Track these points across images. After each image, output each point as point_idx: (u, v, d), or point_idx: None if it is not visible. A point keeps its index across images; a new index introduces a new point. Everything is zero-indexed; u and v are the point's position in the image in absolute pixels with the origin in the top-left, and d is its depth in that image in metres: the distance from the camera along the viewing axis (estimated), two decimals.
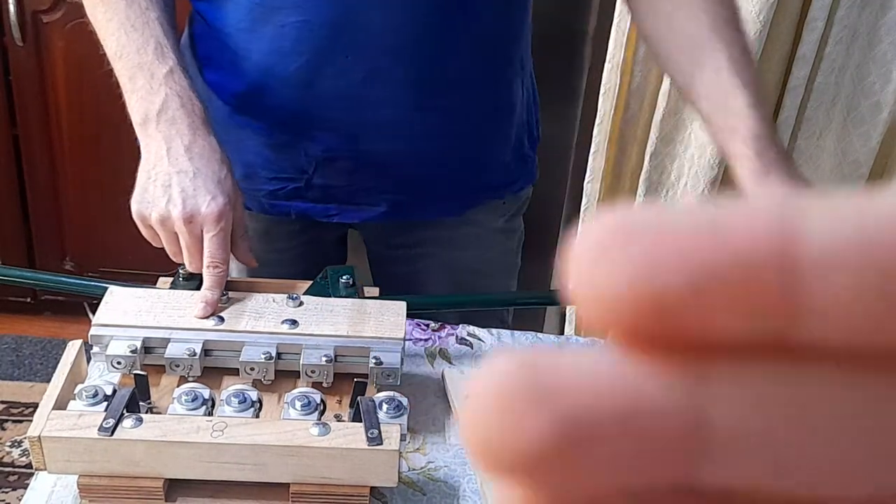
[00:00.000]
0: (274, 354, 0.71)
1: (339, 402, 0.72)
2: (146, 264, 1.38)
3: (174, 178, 0.74)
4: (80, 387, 0.66)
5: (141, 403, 0.68)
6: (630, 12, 0.88)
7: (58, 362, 0.70)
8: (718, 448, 0.11)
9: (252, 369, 0.70)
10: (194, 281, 0.77)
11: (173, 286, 0.79)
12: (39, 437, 0.61)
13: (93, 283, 0.86)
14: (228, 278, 0.76)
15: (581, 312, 0.11)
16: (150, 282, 0.81)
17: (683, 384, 0.11)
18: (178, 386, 0.69)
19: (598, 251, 0.11)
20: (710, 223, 0.11)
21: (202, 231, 0.74)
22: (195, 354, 0.70)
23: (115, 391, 0.66)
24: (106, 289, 0.75)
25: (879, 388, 0.11)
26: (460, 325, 0.89)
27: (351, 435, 0.63)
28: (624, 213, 0.11)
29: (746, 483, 0.11)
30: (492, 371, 0.11)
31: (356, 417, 0.66)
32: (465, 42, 0.87)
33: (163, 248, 0.78)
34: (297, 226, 0.99)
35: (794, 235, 0.10)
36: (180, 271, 0.79)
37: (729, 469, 0.11)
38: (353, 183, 0.93)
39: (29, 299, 1.97)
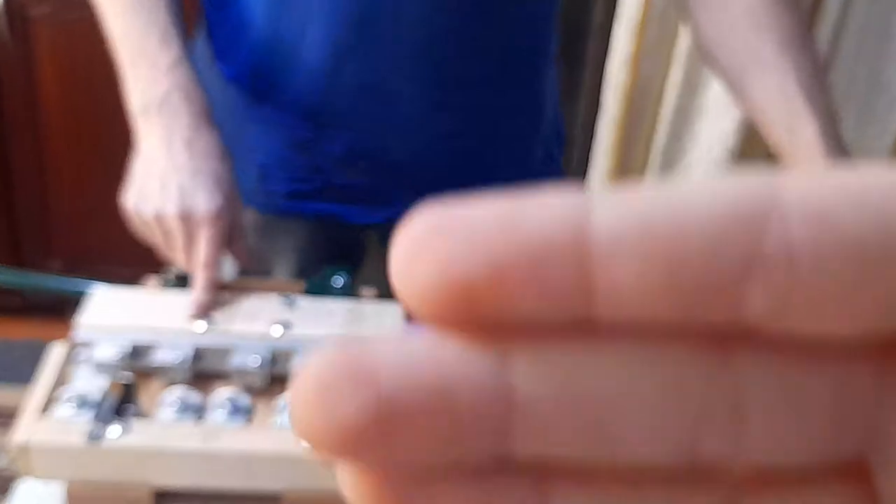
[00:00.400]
0: (267, 359, 0.68)
1: None
2: (137, 263, 1.36)
3: (172, 175, 0.72)
4: (66, 392, 0.64)
5: (129, 409, 0.66)
6: (686, 20, 0.84)
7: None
8: (525, 420, 0.12)
9: (244, 374, 0.68)
10: (185, 281, 0.75)
11: (164, 287, 0.76)
12: (25, 443, 0.60)
13: (79, 283, 0.84)
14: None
15: (404, 304, 0.12)
16: (141, 282, 0.79)
17: (492, 362, 0.12)
18: (167, 391, 0.67)
19: (413, 246, 0.12)
20: (511, 214, 0.12)
21: (198, 230, 0.72)
22: (185, 359, 0.68)
23: (102, 397, 0.64)
24: (93, 289, 0.73)
25: (674, 359, 0.12)
26: None
27: None
28: (435, 209, 0.12)
29: (555, 453, 0.12)
30: (315, 359, 0.12)
31: None
32: (496, 38, 0.85)
33: (155, 247, 0.76)
34: (315, 226, 0.96)
35: (586, 224, 0.12)
36: (173, 271, 0.77)
37: (536, 440, 0.12)
38: (373, 183, 0.90)
39: (17, 299, 1.94)
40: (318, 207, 0.93)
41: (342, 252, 1.01)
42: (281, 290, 0.75)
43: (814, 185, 0.11)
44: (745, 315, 0.11)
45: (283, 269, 0.97)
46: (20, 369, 0.76)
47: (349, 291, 0.78)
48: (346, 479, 0.13)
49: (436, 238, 0.12)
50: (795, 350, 0.12)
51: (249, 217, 0.90)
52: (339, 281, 0.78)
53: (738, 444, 0.12)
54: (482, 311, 0.12)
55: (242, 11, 0.84)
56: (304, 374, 0.12)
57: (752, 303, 0.11)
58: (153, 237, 0.75)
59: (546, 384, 0.12)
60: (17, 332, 1.85)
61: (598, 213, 0.12)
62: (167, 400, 0.65)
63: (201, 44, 0.91)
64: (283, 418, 0.65)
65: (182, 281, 0.76)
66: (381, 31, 0.81)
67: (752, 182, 0.12)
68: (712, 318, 0.12)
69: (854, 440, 0.12)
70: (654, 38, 1.32)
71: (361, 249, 1.05)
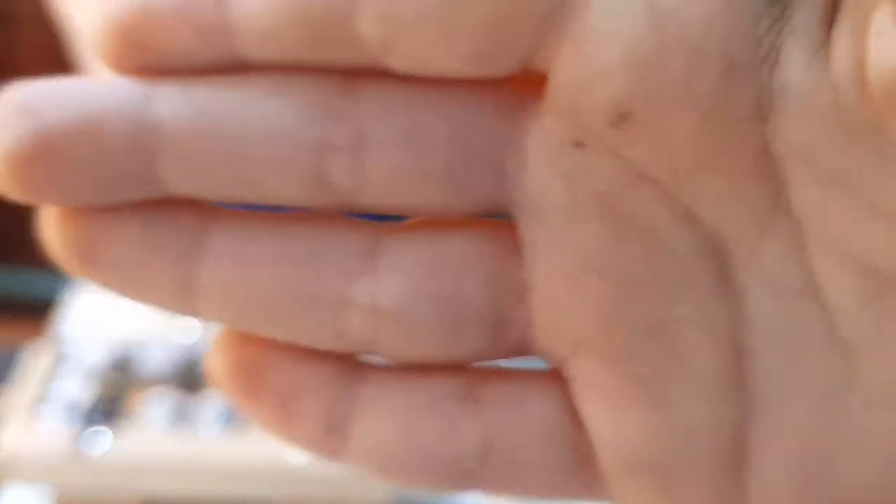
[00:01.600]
0: None
1: None
2: None
3: None
4: (52, 399, 0.64)
5: (117, 416, 0.65)
6: None
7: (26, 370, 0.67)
8: (170, 150, 0.13)
9: None
10: None
11: None
12: (11, 451, 0.60)
13: (65, 282, 0.84)
14: None
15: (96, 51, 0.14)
16: None
17: (138, 92, 0.13)
18: (156, 398, 0.66)
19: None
20: None
21: None
22: (175, 364, 0.68)
23: (90, 403, 0.64)
24: (80, 290, 0.72)
25: (301, 89, 0.13)
26: None
27: None
28: None
29: (204, 189, 0.13)
30: None
31: None
32: None
33: None
34: None
35: None
36: None
37: (184, 173, 0.13)
38: None
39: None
40: None
41: None
42: None
43: None
44: (363, 46, 0.13)
45: None
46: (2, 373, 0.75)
47: None
48: (45, 225, 0.14)
49: None
50: (416, 88, 0.13)
51: None
52: None
53: (361, 176, 0.13)
54: (140, 48, 0.13)
55: None
56: None
57: (364, 30, 0.13)
58: None
59: (186, 112, 0.13)
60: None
61: None
62: (156, 407, 0.65)
63: None
64: None
65: None
66: None
67: None
68: (337, 53, 0.13)
69: (484, 184, 0.14)
70: None
71: None
